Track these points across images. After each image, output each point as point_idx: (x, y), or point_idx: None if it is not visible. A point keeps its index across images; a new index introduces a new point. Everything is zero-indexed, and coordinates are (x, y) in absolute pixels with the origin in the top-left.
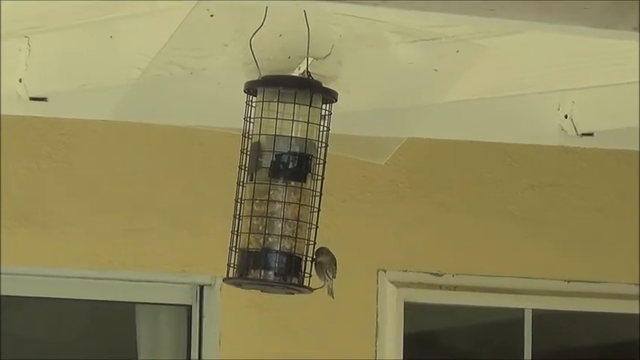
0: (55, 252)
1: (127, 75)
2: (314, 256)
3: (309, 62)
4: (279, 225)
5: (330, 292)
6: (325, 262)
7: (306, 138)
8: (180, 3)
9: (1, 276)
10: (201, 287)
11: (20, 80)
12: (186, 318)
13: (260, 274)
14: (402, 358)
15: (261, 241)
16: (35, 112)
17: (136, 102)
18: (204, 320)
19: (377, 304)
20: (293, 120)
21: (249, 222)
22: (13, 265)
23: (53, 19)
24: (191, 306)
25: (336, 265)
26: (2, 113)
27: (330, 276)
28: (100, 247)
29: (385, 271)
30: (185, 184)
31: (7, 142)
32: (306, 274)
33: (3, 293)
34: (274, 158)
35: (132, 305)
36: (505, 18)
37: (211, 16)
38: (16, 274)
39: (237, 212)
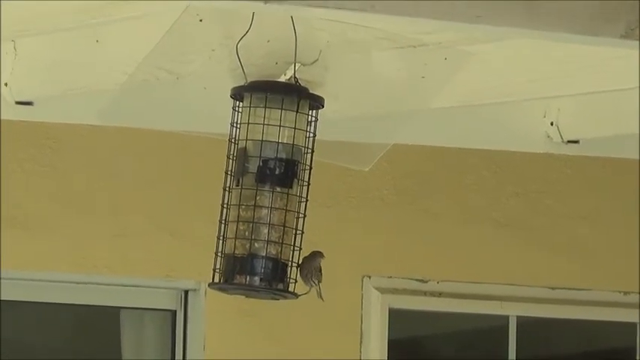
0: (39, 256)
1: (113, 79)
2: (299, 262)
3: (296, 68)
4: (266, 230)
5: (319, 295)
6: (310, 268)
7: (292, 144)
8: (166, 8)
9: None
10: (186, 292)
11: (6, 84)
12: (171, 323)
13: (245, 279)
14: None
15: (247, 246)
16: (21, 117)
17: (122, 106)
18: (189, 325)
19: (361, 310)
20: (280, 126)
21: (235, 227)
22: None
23: (39, 23)
24: (176, 311)
25: (321, 271)
26: None
27: (316, 282)
28: (85, 251)
29: (370, 277)
30: (171, 189)
31: None
32: (291, 280)
33: None
34: (261, 164)
35: (117, 310)
36: (492, 24)
37: (200, 20)
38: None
39: (224, 217)
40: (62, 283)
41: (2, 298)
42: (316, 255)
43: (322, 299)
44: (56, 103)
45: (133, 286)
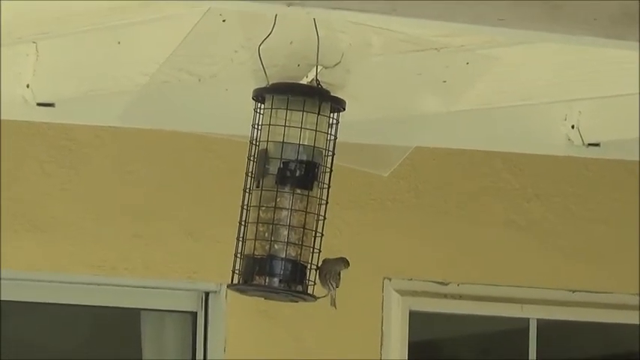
0: (60, 258)
1: (134, 81)
2: (318, 264)
3: (318, 70)
4: (285, 232)
5: (333, 303)
6: (330, 270)
7: (313, 146)
8: (187, 10)
9: (7, 281)
10: (207, 294)
11: (28, 86)
12: (192, 324)
13: (265, 280)
14: None
15: (267, 247)
16: (42, 118)
17: (144, 108)
18: (210, 327)
19: (382, 312)
20: (301, 128)
21: (254, 229)
22: (19, 271)
23: (61, 25)
24: (196, 312)
25: (340, 275)
26: (10, 118)
27: (334, 285)
28: (106, 253)
29: (390, 280)
30: (191, 190)
31: (13, 148)
32: (310, 282)
33: (8, 299)
34: (281, 165)
35: (137, 311)
36: (515, 28)
37: (223, 21)
38: (21, 279)
39: (243, 219)
40: (83, 285)
41: (23, 300)
42: (340, 261)
43: (335, 307)
44: (77, 104)
45: (153, 287)
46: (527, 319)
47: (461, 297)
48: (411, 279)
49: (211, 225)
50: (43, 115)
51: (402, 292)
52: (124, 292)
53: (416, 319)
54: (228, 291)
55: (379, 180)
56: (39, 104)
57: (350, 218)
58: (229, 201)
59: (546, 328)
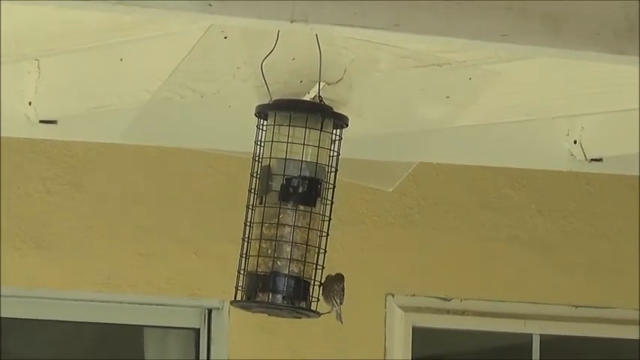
0: (63, 275)
1: (137, 98)
2: (322, 281)
3: (320, 87)
4: (288, 249)
5: (339, 318)
6: (333, 287)
7: (316, 162)
8: (189, 27)
9: (9, 299)
10: (210, 311)
11: (30, 103)
12: (194, 341)
13: (268, 297)
14: None
15: (270, 264)
16: (45, 135)
17: (146, 125)
18: (212, 344)
19: (385, 328)
20: (304, 144)
21: (258, 245)
22: (22, 288)
23: (63, 42)
24: (199, 329)
25: (344, 291)
26: (12, 136)
27: (338, 302)
28: (109, 270)
29: (393, 296)
30: (194, 207)
31: (15, 165)
32: (313, 299)
33: (10, 316)
34: (284, 182)
35: (140, 328)
36: (518, 43)
37: (225, 38)
38: (24, 296)
39: (246, 235)
40: (86, 302)
41: (26, 317)
42: (338, 279)
43: (341, 322)
44: (80, 121)
45: (156, 304)
46: (531, 335)
47: (464, 313)
48: (414, 295)
49: (214, 242)
50: (46, 133)
51: (405, 308)
52: (127, 309)
53: (419, 335)
54: (231, 308)
55: (382, 196)
56: (41, 121)
57: (352, 234)
58: (232, 218)
59: (549, 343)
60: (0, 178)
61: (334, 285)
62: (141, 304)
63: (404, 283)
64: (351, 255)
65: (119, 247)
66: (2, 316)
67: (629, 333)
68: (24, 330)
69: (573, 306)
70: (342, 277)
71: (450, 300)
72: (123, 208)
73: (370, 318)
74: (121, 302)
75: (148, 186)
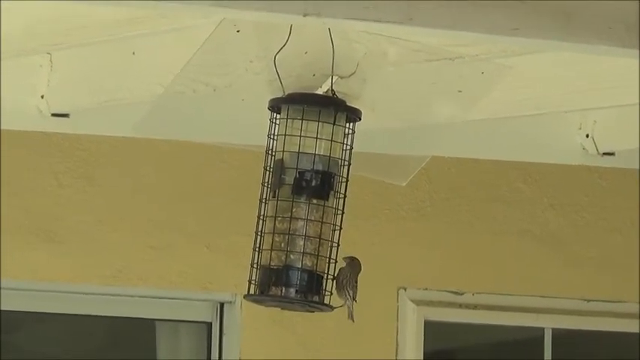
0: (75, 268)
1: (149, 91)
2: (335, 274)
3: (333, 80)
4: (301, 242)
5: (351, 316)
6: (347, 277)
7: (329, 156)
8: (202, 20)
9: (22, 292)
10: (222, 304)
11: (42, 96)
12: (207, 335)
13: (281, 291)
14: None
15: (283, 258)
16: (57, 129)
17: (158, 119)
18: (224, 337)
19: (397, 322)
20: (317, 138)
21: (271, 239)
22: (34, 281)
23: (75, 36)
24: (211, 323)
25: (357, 281)
26: (24, 129)
27: (351, 294)
28: (121, 263)
29: (405, 290)
30: (206, 201)
31: (27, 159)
32: (327, 292)
33: (22, 309)
34: (297, 176)
35: (152, 322)
36: (530, 37)
37: (238, 31)
38: (36, 289)
39: (259, 229)
40: (98, 296)
41: (39, 311)
42: (353, 263)
43: (353, 320)
44: (92, 115)
45: (168, 298)
46: (543, 329)
47: (476, 307)
48: (426, 289)
49: (226, 235)
50: (58, 126)
51: (417, 302)
52: (139, 303)
53: (431, 328)
54: (243, 301)
55: (394, 190)
56: (53, 115)
57: (365, 228)
58: (244, 211)
59: (561, 337)
60: (7, 171)
61: (348, 273)
62: (152, 297)
63: (416, 276)
64: (363, 249)
65: (131, 241)
66: (14, 309)
67: None
68: (36, 323)
69: (585, 300)
70: (355, 260)
71: (462, 294)
72: (134, 202)
73: (382, 312)
74: (132, 296)
75: (160, 179)
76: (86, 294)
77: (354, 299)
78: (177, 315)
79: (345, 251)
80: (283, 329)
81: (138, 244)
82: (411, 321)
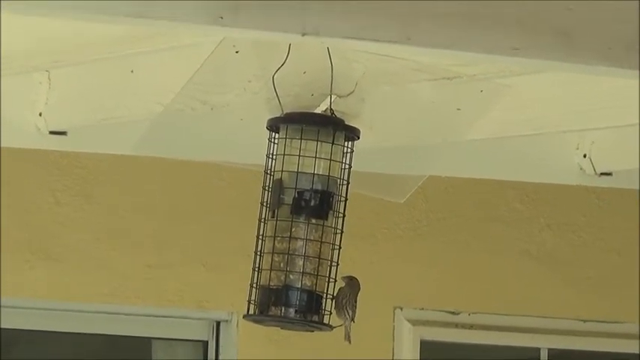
0: (72, 286)
1: (148, 110)
2: (334, 294)
3: (332, 100)
4: (301, 262)
5: (348, 337)
6: (346, 296)
7: (328, 175)
8: (201, 39)
9: (19, 310)
10: (218, 323)
11: (40, 114)
12: (203, 353)
13: (281, 311)
14: None
15: (282, 278)
16: (55, 146)
17: (157, 137)
18: (221, 356)
19: (393, 342)
20: (315, 157)
21: (270, 259)
22: (31, 299)
23: (74, 54)
24: (207, 341)
25: (356, 301)
26: (22, 147)
27: (350, 314)
28: (117, 281)
29: (402, 309)
30: (204, 220)
31: (25, 176)
32: (326, 312)
33: (19, 327)
34: (296, 195)
35: (149, 340)
36: (529, 57)
37: (237, 52)
38: (33, 307)
39: (259, 249)
40: (95, 314)
41: (36, 329)
42: (352, 283)
43: (349, 342)
44: (90, 133)
45: (164, 316)
46: (539, 349)
47: (472, 326)
48: (423, 308)
49: (223, 254)
50: (56, 144)
51: (414, 322)
52: (136, 321)
53: (427, 348)
54: (240, 320)
55: (391, 209)
56: (52, 132)
57: (361, 247)
58: (241, 230)
59: (557, 357)
60: (5, 189)
61: (347, 292)
62: (149, 315)
63: (412, 296)
64: (360, 268)
65: (128, 259)
66: (11, 327)
67: (638, 348)
68: (33, 341)
69: (582, 320)
70: (356, 282)
71: (458, 314)
72: (132, 220)
73: (378, 331)
74: (129, 314)
75: (158, 198)
76: (83, 312)
77: (352, 320)
78: (173, 333)
79: (342, 270)
80: (280, 348)
81: (135, 263)
82: (407, 340)
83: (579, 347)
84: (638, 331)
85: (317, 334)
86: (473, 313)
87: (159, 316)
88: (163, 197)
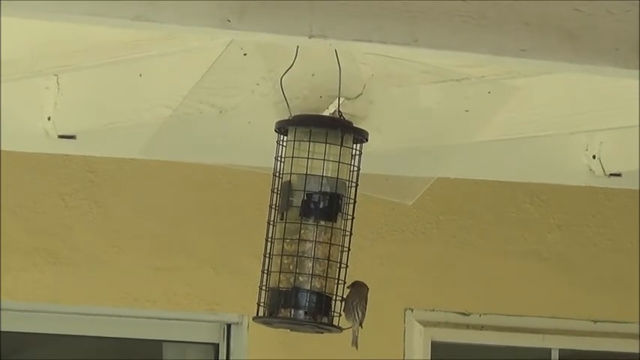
0: (82, 290)
1: (156, 113)
2: (343, 296)
3: (340, 102)
4: (310, 264)
5: (355, 343)
6: (356, 299)
7: (337, 177)
8: (209, 43)
9: (29, 313)
10: (229, 325)
11: (49, 118)
12: (214, 356)
13: (290, 313)
14: None
15: (292, 280)
16: (64, 150)
17: (166, 140)
18: (231, 358)
19: (404, 343)
20: (324, 159)
21: (279, 261)
22: (41, 303)
23: (82, 58)
24: (218, 344)
25: (366, 302)
26: (31, 151)
27: (359, 315)
28: (128, 285)
29: (412, 311)
30: (213, 223)
31: (34, 180)
32: (335, 314)
33: (29, 331)
34: (305, 197)
35: (159, 343)
36: (536, 59)
37: (244, 55)
38: (43, 311)
39: (268, 251)
40: (105, 317)
41: (47, 332)
42: (362, 287)
43: (357, 347)
44: (99, 136)
45: (175, 319)
46: (550, 350)
47: (483, 327)
48: (433, 310)
49: (233, 257)
50: (65, 148)
51: (424, 323)
52: (146, 324)
53: (438, 349)
54: (250, 322)
55: (400, 211)
56: (60, 137)
57: (371, 249)
58: (251, 233)
59: (568, 358)
60: (14, 193)
61: (356, 297)
62: (160, 319)
63: (423, 297)
64: (370, 270)
65: (138, 262)
66: (20, 330)
67: None
68: (44, 345)
69: (592, 321)
70: (364, 287)
71: (469, 315)
72: (141, 223)
73: (389, 333)
74: (140, 317)
75: (168, 201)
76: (93, 315)
77: (360, 324)
78: (184, 336)
79: (352, 272)
80: (290, 350)
81: (145, 266)
82: (418, 342)
83: (590, 348)
84: None
85: (326, 336)
86: (484, 314)
87: (169, 319)
88: (172, 200)
